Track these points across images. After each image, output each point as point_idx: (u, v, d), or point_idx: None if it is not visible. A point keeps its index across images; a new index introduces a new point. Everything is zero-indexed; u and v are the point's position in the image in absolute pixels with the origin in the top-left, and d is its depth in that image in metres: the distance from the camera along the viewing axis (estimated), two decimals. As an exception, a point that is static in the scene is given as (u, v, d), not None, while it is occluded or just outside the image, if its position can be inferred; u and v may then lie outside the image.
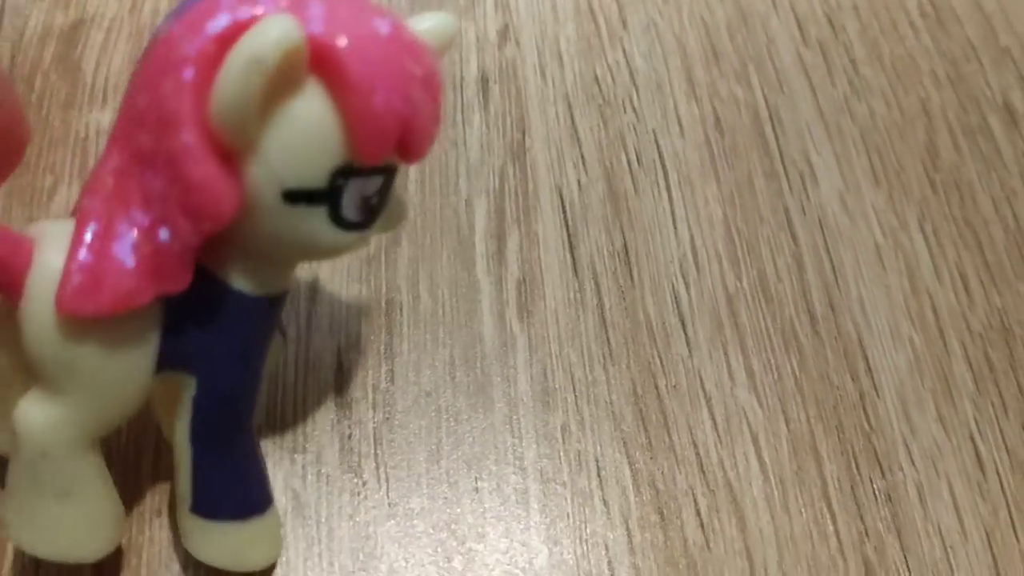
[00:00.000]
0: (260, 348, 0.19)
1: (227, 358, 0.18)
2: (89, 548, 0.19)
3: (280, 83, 0.15)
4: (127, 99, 0.17)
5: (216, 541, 0.20)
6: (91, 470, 0.18)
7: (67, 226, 0.17)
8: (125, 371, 0.18)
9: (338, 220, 0.17)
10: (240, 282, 0.18)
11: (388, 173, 0.17)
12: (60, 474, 0.18)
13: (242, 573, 0.21)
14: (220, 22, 0.15)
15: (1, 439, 0.20)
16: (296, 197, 0.16)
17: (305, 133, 0.16)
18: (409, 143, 0.16)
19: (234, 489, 0.20)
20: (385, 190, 0.17)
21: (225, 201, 0.16)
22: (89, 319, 0.16)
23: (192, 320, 0.18)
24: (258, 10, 0.15)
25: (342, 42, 0.15)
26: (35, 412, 0.17)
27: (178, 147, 0.16)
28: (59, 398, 0.17)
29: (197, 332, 0.18)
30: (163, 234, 0.16)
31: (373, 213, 0.18)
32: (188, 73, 0.15)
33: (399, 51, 0.16)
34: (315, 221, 0.17)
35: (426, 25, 0.17)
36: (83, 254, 0.16)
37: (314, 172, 0.16)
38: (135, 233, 0.16)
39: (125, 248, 0.16)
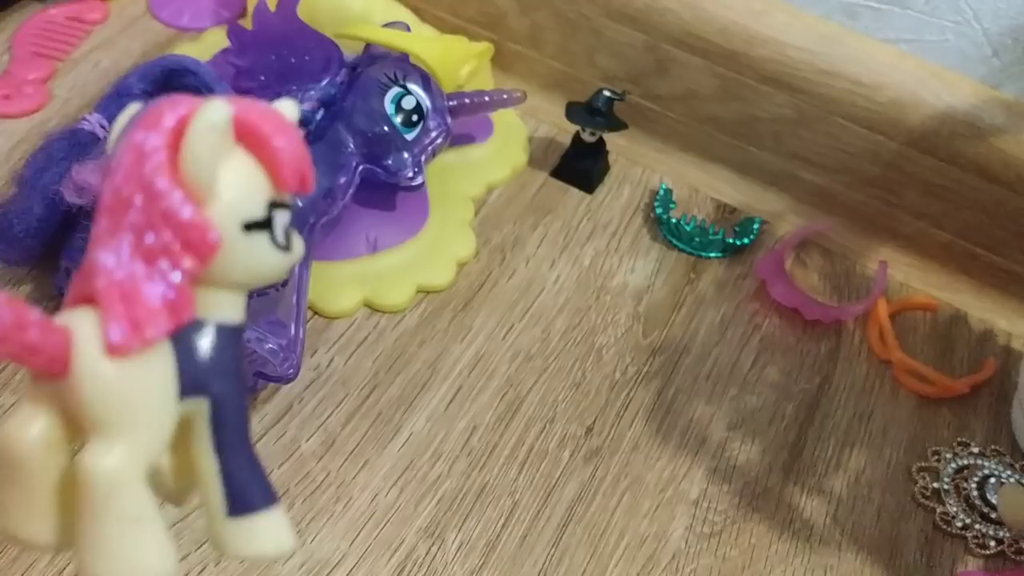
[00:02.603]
0: (240, 365, 0.24)
1: (230, 378, 0.23)
2: (165, 565, 0.22)
3: (222, 146, 0.21)
4: (108, 195, 0.22)
5: (260, 531, 0.23)
6: (151, 495, 0.22)
7: (82, 309, 0.21)
8: (163, 399, 0.22)
9: (275, 243, 0.23)
10: (219, 315, 0.22)
11: (291, 208, 0.23)
12: (132, 503, 0.21)
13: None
14: (169, 120, 0.21)
15: (42, 529, 0.22)
16: (251, 226, 0.22)
17: (246, 178, 0.22)
18: (304, 177, 0.23)
19: (259, 480, 0.23)
20: (291, 223, 0.23)
21: (212, 233, 0.21)
22: (132, 358, 0.21)
23: (196, 353, 0.22)
24: (193, 105, 0.21)
25: (252, 115, 0.22)
26: (104, 458, 0.21)
27: (170, 205, 0.21)
28: (119, 439, 0.21)
29: (202, 362, 0.22)
30: (175, 276, 0.21)
31: (289, 239, 0.23)
32: (160, 156, 0.21)
33: (282, 118, 0.23)
34: (264, 245, 0.22)
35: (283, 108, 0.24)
36: (118, 305, 0.21)
37: (258, 205, 0.22)
38: (154, 279, 0.21)
39: (148, 291, 0.21)
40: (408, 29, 0.47)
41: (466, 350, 0.43)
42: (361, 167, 0.42)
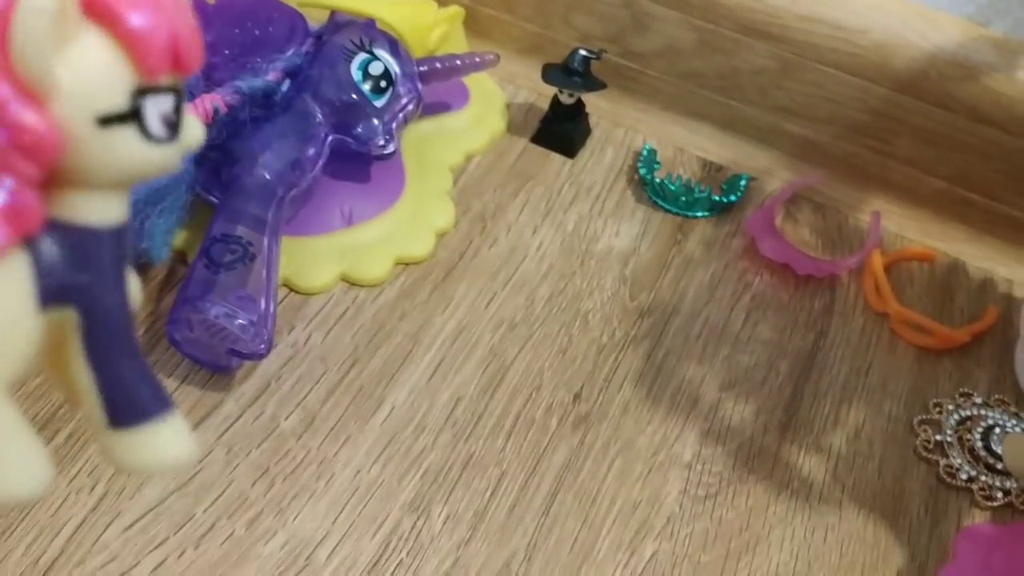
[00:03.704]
0: (118, 273, 0.22)
1: (97, 284, 0.21)
2: (32, 484, 0.21)
3: (63, 30, 0.19)
4: None
5: (147, 444, 0.21)
6: (14, 412, 0.20)
7: None
8: (13, 313, 0.20)
9: (148, 136, 0.20)
10: (85, 217, 0.20)
11: (176, 92, 0.21)
12: None
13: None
14: None
15: None
16: (108, 120, 0.20)
17: (97, 64, 0.19)
18: (180, 57, 0.20)
19: (144, 389, 0.22)
20: (179, 108, 0.21)
21: (51, 134, 0.19)
22: None
23: (56, 259, 0.20)
24: None
25: None
26: None
27: None
28: None
29: (64, 268, 0.20)
30: (8, 183, 0.19)
31: (175, 128, 0.21)
32: None
33: None
34: (130, 139, 0.20)
35: None
36: None
37: (115, 95, 0.20)
38: None
39: None
40: (375, -5, 0.46)
41: (448, 321, 0.41)
42: (331, 137, 0.41)
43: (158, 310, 0.40)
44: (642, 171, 0.47)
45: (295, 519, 0.35)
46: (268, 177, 0.39)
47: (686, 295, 0.44)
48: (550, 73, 0.47)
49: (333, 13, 0.44)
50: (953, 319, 0.45)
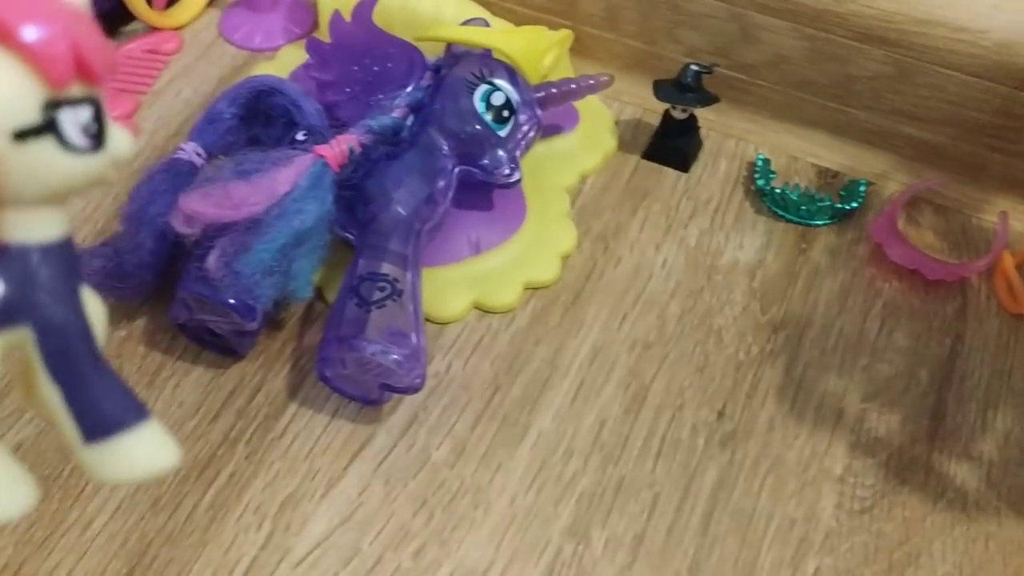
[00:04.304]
0: (68, 289, 0.21)
1: (44, 301, 0.21)
2: (7, 509, 0.21)
3: None
4: None
5: (123, 456, 0.21)
6: None
7: None
8: None
9: (68, 147, 0.20)
10: (20, 236, 0.21)
11: (92, 102, 0.21)
12: None
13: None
14: None
15: None
16: (23, 135, 0.20)
17: (2, 82, 0.19)
18: (85, 66, 0.20)
19: (115, 399, 0.22)
20: (99, 118, 0.21)
21: None
22: None
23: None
24: None
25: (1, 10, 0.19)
26: None
27: None
28: None
29: (7, 289, 0.20)
30: None
31: (98, 139, 0.21)
32: None
33: (45, 3, 0.20)
34: (51, 153, 0.20)
35: None
36: None
37: (24, 110, 0.20)
38: None
39: None
40: (487, 24, 0.46)
41: (583, 344, 0.42)
42: (458, 169, 0.42)
43: (301, 345, 0.41)
44: (760, 182, 0.47)
45: (459, 549, 0.35)
46: (404, 213, 0.39)
47: (817, 306, 0.44)
48: (663, 89, 0.47)
49: (449, 45, 0.44)
50: (1091, 317, 0.44)
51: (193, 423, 0.38)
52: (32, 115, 0.20)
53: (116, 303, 0.40)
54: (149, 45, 0.51)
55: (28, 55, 0.20)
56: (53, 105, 0.20)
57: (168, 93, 0.50)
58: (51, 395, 0.21)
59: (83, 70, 0.20)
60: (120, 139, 0.22)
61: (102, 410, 0.21)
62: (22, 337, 0.21)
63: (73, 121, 0.20)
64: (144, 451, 0.22)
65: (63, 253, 0.21)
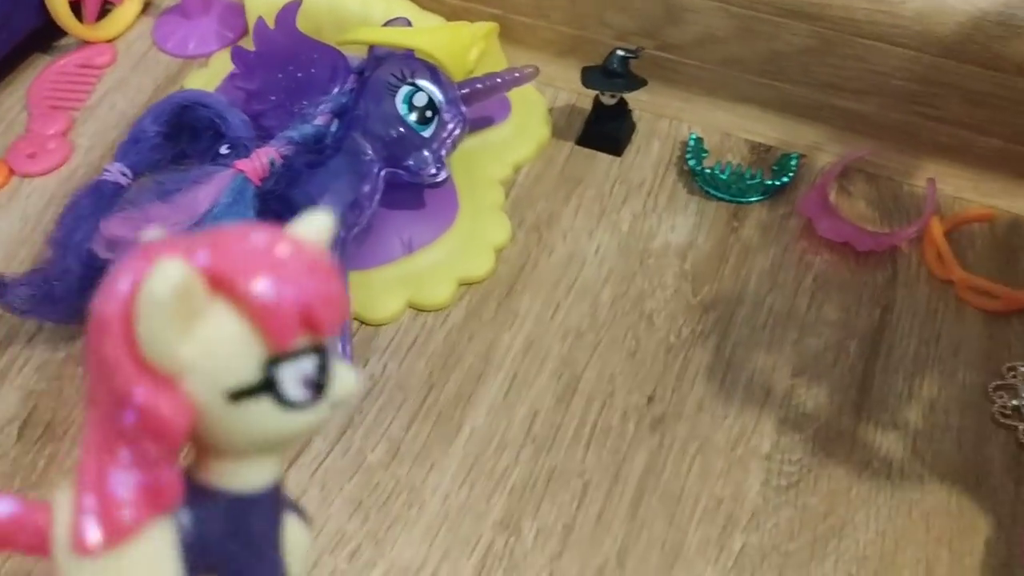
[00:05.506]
0: (270, 538, 0.21)
1: (244, 555, 0.20)
2: None
3: (189, 309, 0.18)
4: (88, 365, 0.20)
5: None
6: None
7: (66, 489, 0.20)
8: None
9: (286, 404, 0.19)
10: (232, 484, 0.20)
11: (319, 351, 0.19)
12: None
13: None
14: (123, 284, 0.19)
15: None
16: (239, 395, 0.19)
17: (223, 340, 0.19)
18: (313, 322, 0.19)
19: None
20: (324, 367, 0.20)
21: (174, 417, 0.18)
22: (107, 553, 0.19)
23: (204, 529, 0.20)
24: (150, 262, 0.18)
25: (226, 263, 0.19)
26: None
27: (122, 386, 0.18)
28: None
29: (211, 538, 0.20)
30: (143, 462, 0.19)
31: (320, 389, 0.20)
32: (113, 329, 0.18)
33: (276, 255, 0.19)
34: (265, 411, 0.19)
35: (305, 227, 0.20)
36: (85, 501, 0.19)
37: (243, 369, 0.19)
38: (122, 470, 0.19)
39: (117, 485, 0.19)
40: (409, 24, 0.46)
41: (516, 336, 0.42)
42: (383, 171, 0.42)
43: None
44: (691, 162, 0.48)
45: (392, 548, 0.36)
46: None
47: (748, 283, 0.44)
48: (590, 76, 0.48)
49: (372, 47, 0.45)
50: (1018, 279, 0.45)
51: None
52: (250, 374, 0.19)
53: (54, 326, 0.41)
54: (82, 60, 0.51)
55: (254, 314, 0.19)
56: (273, 361, 0.19)
57: (102, 107, 0.50)
58: None
59: (312, 326, 0.19)
60: (345, 382, 0.20)
61: None
62: None
63: (294, 377, 0.19)
64: None
65: (272, 499, 0.20)
